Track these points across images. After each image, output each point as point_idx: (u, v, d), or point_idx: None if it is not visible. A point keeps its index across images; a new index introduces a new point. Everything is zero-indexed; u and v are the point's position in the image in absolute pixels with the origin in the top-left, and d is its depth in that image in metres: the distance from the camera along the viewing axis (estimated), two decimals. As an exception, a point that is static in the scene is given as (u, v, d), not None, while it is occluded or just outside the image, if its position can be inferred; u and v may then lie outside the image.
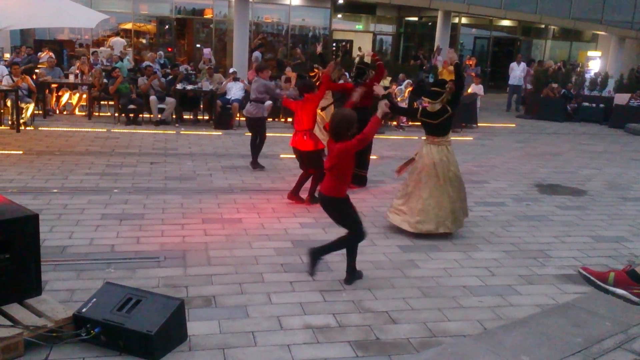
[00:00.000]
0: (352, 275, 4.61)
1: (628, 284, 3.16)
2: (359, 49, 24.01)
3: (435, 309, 4.23)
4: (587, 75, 18.92)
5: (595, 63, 22.10)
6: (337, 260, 4.82)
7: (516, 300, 4.48)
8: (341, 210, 4.55)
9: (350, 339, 3.73)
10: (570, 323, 3.88)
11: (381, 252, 5.34)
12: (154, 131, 11.14)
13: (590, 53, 23.39)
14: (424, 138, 5.89)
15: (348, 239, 4.56)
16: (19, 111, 10.19)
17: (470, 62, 19.66)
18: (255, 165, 8.36)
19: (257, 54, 17.44)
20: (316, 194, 5.69)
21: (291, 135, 6.97)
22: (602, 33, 23.94)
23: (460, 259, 5.29)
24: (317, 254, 4.57)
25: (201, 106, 12.80)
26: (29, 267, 3.62)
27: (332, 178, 4.49)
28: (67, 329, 3.44)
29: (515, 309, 4.30)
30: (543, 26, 24.89)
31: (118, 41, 18.45)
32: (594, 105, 16.90)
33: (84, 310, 3.47)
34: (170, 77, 13.03)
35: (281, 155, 9.29)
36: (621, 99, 16.45)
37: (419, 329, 3.91)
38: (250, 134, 8.62)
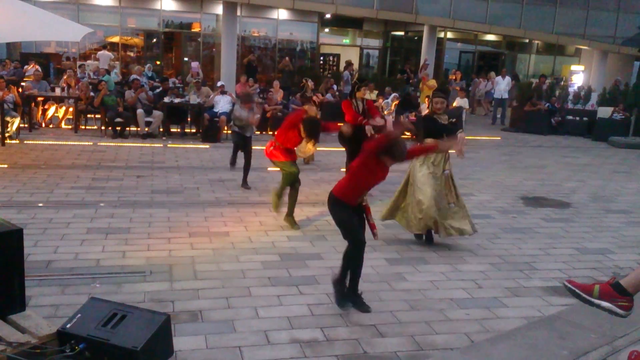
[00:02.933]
0: (339, 288, 4.39)
1: (613, 297, 3.18)
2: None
3: (422, 322, 4.23)
4: (571, 89, 19.21)
5: (578, 77, 22.46)
6: (324, 273, 4.81)
7: (503, 312, 4.50)
8: (333, 211, 4.38)
9: (337, 353, 3.71)
10: (556, 335, 3.90)
11: (368, 265, 5.32)
12: (140, 144, 11.10)
13: (573, 67, 23.77)
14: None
15: (346, 252, 4.36)
16: (4, 125, 10.11)
17: (455, 76, 19.90)
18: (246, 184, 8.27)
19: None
20: None
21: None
22: (585, 47, 24.34)
23: (447, 272, 5.31)
24: (338, 282, 4.40)
25: (188, 119, 12.79)
26: (13, 282, 3.56)
27: (345, 177, 4.48)
28: (51, 345, 3.38)
29: (501, 322, 4.32)
30: (527, 41, 25.27)
31: (104, 54, 18.48)
32: (577, 118, 17.16)
33: (68, 326, 3.42)
34: (159, 89, 13.00)
35: (269, 169, 9.29)
36: (604, 112, 16.72)
37: (407, 343, 3.91)
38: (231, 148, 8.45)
